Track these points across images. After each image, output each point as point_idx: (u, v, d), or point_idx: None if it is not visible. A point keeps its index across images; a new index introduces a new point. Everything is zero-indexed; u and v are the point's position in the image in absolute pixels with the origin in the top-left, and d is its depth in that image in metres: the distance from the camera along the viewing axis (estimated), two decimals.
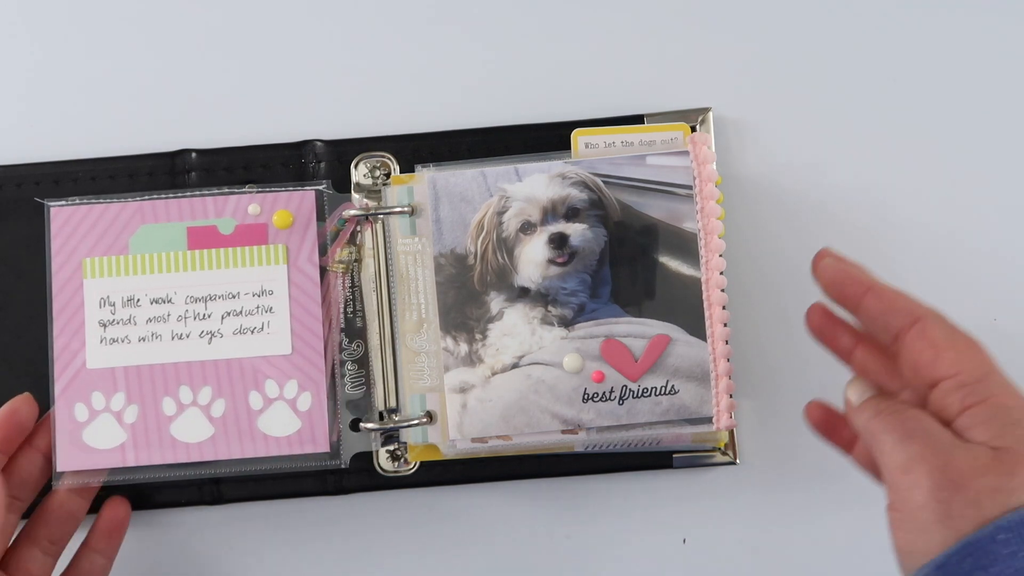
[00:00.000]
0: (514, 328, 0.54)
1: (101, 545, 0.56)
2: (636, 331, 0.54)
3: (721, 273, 0.54)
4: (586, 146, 0.56)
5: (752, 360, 0.60)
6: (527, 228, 0.55)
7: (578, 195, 0.55)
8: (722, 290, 0.54)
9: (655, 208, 0.55)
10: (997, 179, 0.61)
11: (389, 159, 0.59)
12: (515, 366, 0.54)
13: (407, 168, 0.58)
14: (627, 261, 0.54)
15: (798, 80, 0.61)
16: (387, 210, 0.56)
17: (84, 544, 0.56)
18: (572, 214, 0.55)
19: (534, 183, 0.55)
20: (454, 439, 0.54)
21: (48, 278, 0.56)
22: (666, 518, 0.60)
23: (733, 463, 0.59)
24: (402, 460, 0.59)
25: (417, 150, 0.59)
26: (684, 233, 0.54)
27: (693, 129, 0.59)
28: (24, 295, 0.58)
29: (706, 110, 0.60)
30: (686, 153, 0.54)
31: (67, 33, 0.61)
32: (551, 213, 0.55)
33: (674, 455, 0.59)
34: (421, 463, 0.58)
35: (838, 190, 0.61)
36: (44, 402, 0.56)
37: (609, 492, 0.60)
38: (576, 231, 0.54)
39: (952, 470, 0.40)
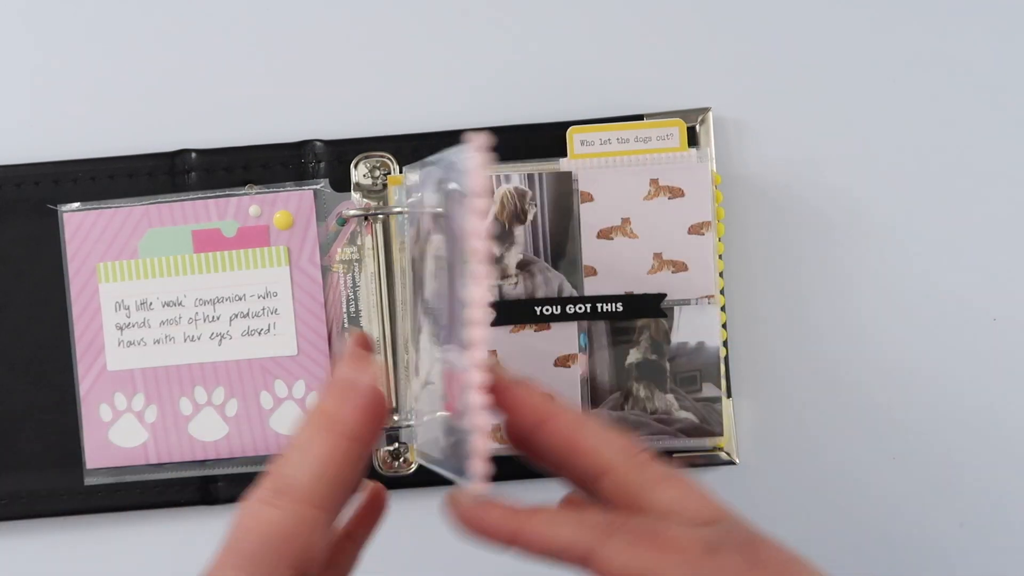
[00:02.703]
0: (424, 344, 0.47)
1: (360, 530, 0.49)
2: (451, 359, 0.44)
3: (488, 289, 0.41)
4: (582, 143, 0.55)
5: (752, 360, 0.60)
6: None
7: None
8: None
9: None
10: (997, 178, 0.61)
11: (389, 159, 0.59)
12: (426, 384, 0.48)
13: None
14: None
15: (798, 80, 0.61)
16: (385, 210, 0.56)
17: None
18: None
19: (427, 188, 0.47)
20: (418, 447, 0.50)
21: (65, 282, 0.58)
22: None
23: (733, 463, 0.59)
24: (402, 460, 0.59)
25: (417, 150, 0.59)
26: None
27: (691, 128, 0.59)
28: (24, 295, 0.58)
29: (706, 110, 0.60)
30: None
31: (67, 33, 0.62)
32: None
33: (674, 455, 0.59)
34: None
35: (838, 190, 0.60)
36: (59, 404, 0.58)
37: None
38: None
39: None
